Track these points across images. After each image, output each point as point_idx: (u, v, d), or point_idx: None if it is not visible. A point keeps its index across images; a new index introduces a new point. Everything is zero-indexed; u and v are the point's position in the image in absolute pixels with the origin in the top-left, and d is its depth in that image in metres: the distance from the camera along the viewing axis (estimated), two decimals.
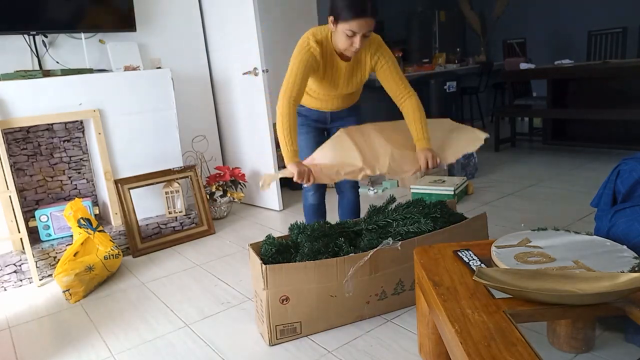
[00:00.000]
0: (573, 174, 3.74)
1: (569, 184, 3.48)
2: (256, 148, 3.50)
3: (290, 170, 1.79)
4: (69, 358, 1.83)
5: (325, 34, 1.88)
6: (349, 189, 2.32)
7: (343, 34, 1.74)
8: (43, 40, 2.97)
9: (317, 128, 2.20)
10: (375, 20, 1.74)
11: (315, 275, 1.73)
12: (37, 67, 2.92)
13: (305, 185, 1.92)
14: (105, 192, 2.94)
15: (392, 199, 2.15)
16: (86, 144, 3.07)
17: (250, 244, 1.88)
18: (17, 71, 2.68)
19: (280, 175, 1.86)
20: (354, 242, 1.90)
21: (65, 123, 2.96)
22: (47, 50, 3.00)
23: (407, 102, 1.98)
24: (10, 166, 2.68)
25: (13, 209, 2.56)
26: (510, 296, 1.19)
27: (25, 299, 2.39)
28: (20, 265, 2.54)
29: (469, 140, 1.99)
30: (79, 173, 3.07)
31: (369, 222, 1.99)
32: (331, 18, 1.77)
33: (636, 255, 1.30)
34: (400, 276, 1.87)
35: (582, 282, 1.17)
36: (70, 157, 3.02)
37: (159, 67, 3.38)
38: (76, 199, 2.65)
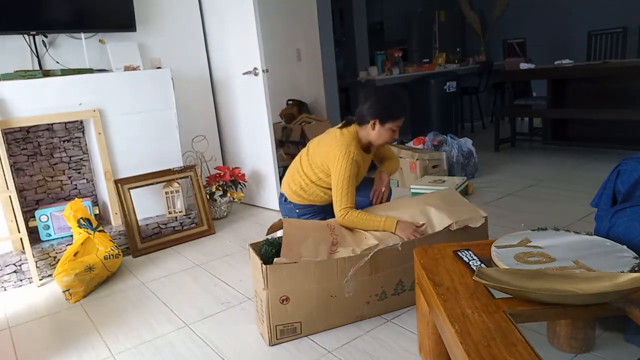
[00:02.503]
0: (573, 174, 3.74)
1: (569, 184, 3.48)
2: (256, 148, 3.49)
3: (405, 234, 1.90)
4: (69, 358, 1.83)
5: (354, 139, 2.16)
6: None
7: (389, 130, 2.12)
8: (43, 40, 2.97)
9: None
10: None
11: (315, 275, 1.73)
12: (37, 67, 2.92)
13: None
14: (105, 192, 2.94)
15: None
16: (86, 144, 3.07)
17: (250, 244, 1.88)
18: (17, 71, 2.68)
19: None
20: None
21: (65, 123, 2.96)
22: (47, 50, 3.00)
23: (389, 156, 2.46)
24: (10, 166, 2.68)
25: (13, 209, 2.56)
26: (510, 296, 1.19)
27: (25, 299, 2.39)
28: (20, 265, 2.54)
29: (470, 213, 2.00)
30: (79, 173, 3.07)
31: None
32: (374, 121, 2.10)
33: (636, 255, 1.30)
34: (400, 276, 1.88)
35: (582, 282, 1.17)
36: (70, 157, 3.02)
37: (159, 67, 3.38)
38: (76, 199, 2.65)
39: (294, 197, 2.31)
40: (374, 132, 2.13)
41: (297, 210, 2.33)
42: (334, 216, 2.09)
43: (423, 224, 1.95)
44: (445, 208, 2.01)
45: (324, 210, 2.31)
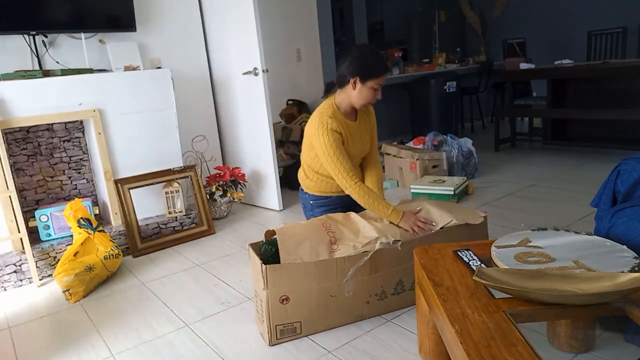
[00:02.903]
0: (573, 174, 3.74)
1: (569, 184, 3.48)
2: (256, 148, 3.50)
3: (408, 224, 1.89)
4: (69, 358, 1.83)
5: (330, 107, 2.06)
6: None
7: (370, 89, 1.99)
8: (43, 40, 2.97)
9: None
10: None
11: (315, 275, 1.73)
12: (37, 67, 2.92)
13: None
14: (105, 192, 2.94)
15: None
16: (86, 144, 3.07)
17: (250, 244, 1.88)
18: (17, 71, 2.68)
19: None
20: None
21: (65, 123, 2.96)
22: (47, 50, 3.00)
23: (372, 166, 2.24)
24: (10, 166, 2.68)
25: (13, 209, 2.56)
26: (510, 296, 1.19)
27: (25, 299, 2.39)
28: (20, 265, 2.54)
29: (468, 213, 2.01)
30: (79, 173, 3.07)
31: None
32: (356, 79, 1.97)
33: (636, 255, 1.30)
34: (400, 276, 1.88)
35: (582, 282, 1.17)
36: (70, 157, 3.02)
37: (159, 67, 3.38)
38: (76, 199, 2.65)
39: (305, 185, 2.24)
40: (354, 92, 2.00)
41: (311, 202, 2.23)
42: (352, 211, 2.04)
43: (420, 209, 1.95)
44: (444, 209, 2.01)
45: (342, 204, 2.18)
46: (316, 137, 2.00)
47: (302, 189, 2.28)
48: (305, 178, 2.23)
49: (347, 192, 2.00)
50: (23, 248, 2.55)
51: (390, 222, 1.92)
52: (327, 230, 1.86)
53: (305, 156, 2.19)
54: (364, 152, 2.19)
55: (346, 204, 2.15)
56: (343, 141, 2.03)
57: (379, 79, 1.97)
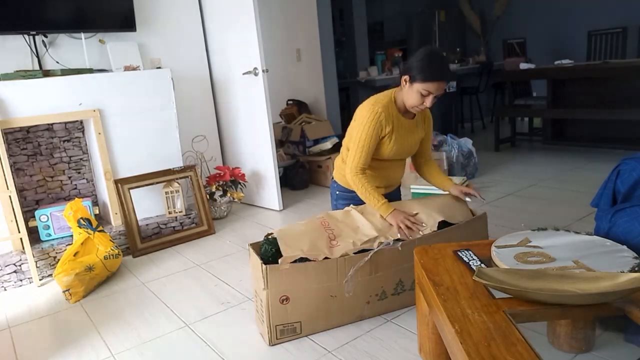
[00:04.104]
0: (573, 174, 3.74)
1: (569, 184, 3.48)
2: (256, 148, 3.50)
3: (390, 223, 1.88)
4: (69, 358, 1.83)
5: (387, 97, 2.00)
6: None
7: (417, 93, 1.87)
8: (43, 40, 2.97)
9: None
10: (447, 83, 1.91)
11: (315, 275, 1.73)
12: (37, 67, 2.92)
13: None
14: (105, 192, 2.94)
15: None
16: (86, 144, 3.07)
17: (250, 244, 1.88)
18: (17, 71, 2.68)
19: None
20: None
21: (65, 123, 2.96)
22: (47, 50, 3.00)
23: (430, 162, 2.25)
24: (10, 166, 2.68)
25: (13, 209, 2.56)
26: (510, 296, 1.19)
27: (25, 299, 2.39)
28: (20, 265, 2.54)
29: (456, 210, 2.02)
30: (79, 173, 3.07)
31: None
32: (406, 77, 1.90)
33: (636, 255, 1.30)
34: (400, 276, 1.87)
35: (582, 282, 1.17)
36: (70, 157, 3.02)
37: (159, 67, 3.38)
38: (76, 199, 2.65)
39: (338, 172, 2.21)
40: (404, 91, 1.93)
41: (337, 192, 2.21)
42: None
43: (416, 213, 1.94)
44: (434, 207, 1.99)
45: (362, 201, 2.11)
46: (360, 119, 1.96)
47: (333, 177, 2.26)
48: (341, 164, 2.18)
49: (347, 177, 2.00)
50: (23, 248, 2.55)
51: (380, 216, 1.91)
52: (325, 228, 1.86)
53: (347, 141, 2.13)
54: (408, 154, 2.14)
55: None
56: (386, 134, 1.97)
57: (428, 85, 1.83)
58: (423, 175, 2.27)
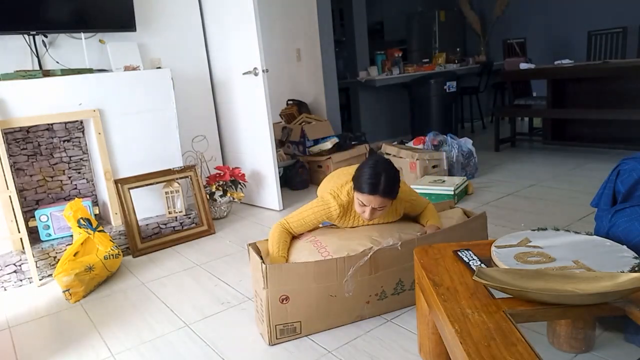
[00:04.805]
0: (573, 174, 3.74)
1: (569, 184, 3.48)
2: (256, 148, 3.50)
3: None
4: (69, 358, 1.83)
5: (347, 195, 1.95)
6: None
7: (357, 200, 1.87)
8: (43, 40, 2.97)
9: None
10: (390, 199, 1.84)
11: (315, 275, 1.73)
12: (37, 67, 2.92)
13: None
14: (105, 192, 2.94)
15: None
16: (86, 144, 3.07)
17: (250, 244, 1.88)
18: (17, 71, 2.68)
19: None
20: None
21: (65, 123, 2.96)
22: (47, 50, 3.00)
23: (423, 211, 2.11)
24: (10, 166, 2.68)
25: (13, 209, 2.56)
26: (510, 296, 1.19)
27: (25, 299, 2.39)
28: (20, 265, 2.54)
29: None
30: (79, 173, 3.07)
31: None
32: (352, 184, 1.89)
33: (636, 255, 1.30)
34: (400, 276, 1.87)
35: (582, 282, 1.17)
36: (70, 157, 3.02)
37: (159, 67, 3.38)
38: (76, 199, 2.65)
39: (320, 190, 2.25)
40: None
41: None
42: None
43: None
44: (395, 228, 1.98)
45: None
46: (317, 200, 1.98)
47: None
48: (326, 183, 2.20)
49: (275, 225, 1.99)
50: (23, 248, 2.55)
51: None
52: (319, 249, 1.86)
53: (322, 189, 2.17)
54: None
55: None
56: (340, 222, 1.99)
57: (361, 196, 1.82)
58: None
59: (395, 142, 4.54)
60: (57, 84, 2.71)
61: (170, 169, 3.10)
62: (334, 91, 4.62)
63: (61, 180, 3.01)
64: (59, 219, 2.75)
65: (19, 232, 2.54)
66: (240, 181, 3.48)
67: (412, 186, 3.49)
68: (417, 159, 3.72)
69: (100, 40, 3.17)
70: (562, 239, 1.47)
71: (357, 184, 1.83)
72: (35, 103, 2.65)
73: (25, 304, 2.33)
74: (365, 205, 1.84)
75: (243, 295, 2.21)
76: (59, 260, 2.49)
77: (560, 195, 3.26)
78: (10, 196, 2.53)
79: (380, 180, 1.78)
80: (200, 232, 3.09)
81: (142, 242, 2.89)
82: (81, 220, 2.54)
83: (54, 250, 2.65)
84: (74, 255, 2.39)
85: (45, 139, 2.92)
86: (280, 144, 4.29)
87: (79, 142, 3.05)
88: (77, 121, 2.99)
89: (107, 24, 3.11)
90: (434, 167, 3.76)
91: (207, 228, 3.12)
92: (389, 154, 3.97)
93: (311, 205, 1.98)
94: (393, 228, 1.97)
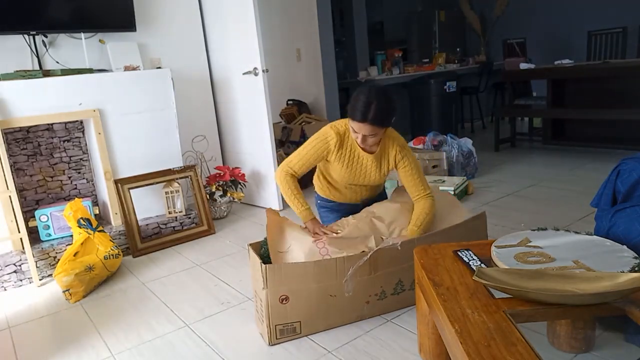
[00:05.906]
0: (573, 174, 3.74)
1: (569, 184, 3.48)
2: (256, 148, 3.50)
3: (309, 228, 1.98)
4: (69, 358, 1.83)
5: (345, 125, 2.01)
6: None
7: (351, 128, 1.93)
8: (43, 40, 2.97)
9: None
10: (380, 128, 1.89)
11: (315, 275, 1.73)
12: (37, 67, 2.92)
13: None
14: (105, 192, 2.94)
15: None
16: (86, 144, 3.07)
17: (250, 244, 1.88)
18: (17, 71, 2.68)
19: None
20: None
21: (65, 123, 2.96)
22: (47, 50, 3.00)
23: (422, 200, 2.03)
24: (10, 166, 2.68)
25: (13, 209, 2.56)
26: (510, 296, 1.19)
27: (25, 299, 2.39)
28: (20, 265, 2.54)
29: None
30: (79, 173, 3.07)
31: None
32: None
33: (636, 255, 1.30)
34: (400, 276, 1.87)
35: (582, 282, 1.17)
36: (70, 157, 3.02)
37: (159, 67, 3.38)
38: (76, 199, 2.65)
39: (315, 183, 2.29)
40: None
41: (318, 201, 2.31)
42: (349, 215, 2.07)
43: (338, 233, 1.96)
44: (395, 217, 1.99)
45: (342, 211, 2.21)
46: (315, 134, 2.03)
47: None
48: (316, 177, 2.28)
49: (276, 172, 2.07)
50: (23, 248, 2.55)
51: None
52: (319, 251, 1.86)
53: None
54: (367, 183, 2.11)
55: (345, 212, 2.19)
56: (336, 158, 2.00)
57: (354, 124, 1.87)
58: None
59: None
60: (57, 84, 2.71)
61: (170, 169, 3.10)
62: (334, 91, 4.62)
63: (61, 180, 3.01)
64: (59, 219, 2.75)
65: (19, 232, 2.54)
66: (240, 181, 3.48)
67: None
68: (417, 159, 3.71)
69: (100, 40, 3.17)
70: (562, 239, 1.47)
71: (350, 111, 1.89)
72: (35, 103, 2.65)
73: (25, 304, 2.33)
74: (358, 133, 1.90)
75: (243, 295, 2.21)
76: (59, 260, 2.49)
77: (560, 195, 3.26)
78: (10, 196, 2.53)
79: (371, 108, 1.82)
80: (200, 232, 3.09)
81: (142, 242, 2.89)
82: (81, 220, 2.54)
83: (54, 250, 2.65)
84: (74, 255, 2.39)
85: (45, 139, 2.92)
86: (280, 144, 4.29)
87: (79, 142, 3.05)
88: (77, 121, 2.99)
89: (107, 24, 3.11)
90: (434, 167, 3.76)
91: (207, 228, 3.12)
92: None
93: (309, 141, 2.02)
94: (394, 224, 1.97)
